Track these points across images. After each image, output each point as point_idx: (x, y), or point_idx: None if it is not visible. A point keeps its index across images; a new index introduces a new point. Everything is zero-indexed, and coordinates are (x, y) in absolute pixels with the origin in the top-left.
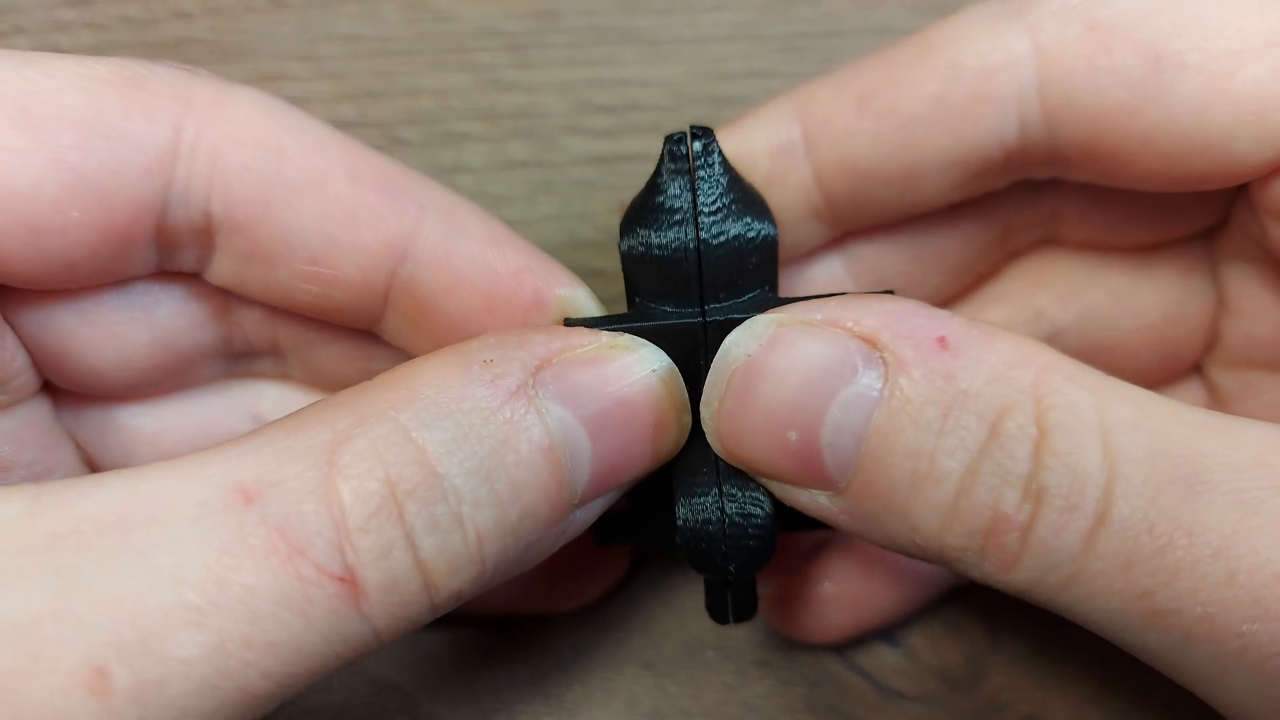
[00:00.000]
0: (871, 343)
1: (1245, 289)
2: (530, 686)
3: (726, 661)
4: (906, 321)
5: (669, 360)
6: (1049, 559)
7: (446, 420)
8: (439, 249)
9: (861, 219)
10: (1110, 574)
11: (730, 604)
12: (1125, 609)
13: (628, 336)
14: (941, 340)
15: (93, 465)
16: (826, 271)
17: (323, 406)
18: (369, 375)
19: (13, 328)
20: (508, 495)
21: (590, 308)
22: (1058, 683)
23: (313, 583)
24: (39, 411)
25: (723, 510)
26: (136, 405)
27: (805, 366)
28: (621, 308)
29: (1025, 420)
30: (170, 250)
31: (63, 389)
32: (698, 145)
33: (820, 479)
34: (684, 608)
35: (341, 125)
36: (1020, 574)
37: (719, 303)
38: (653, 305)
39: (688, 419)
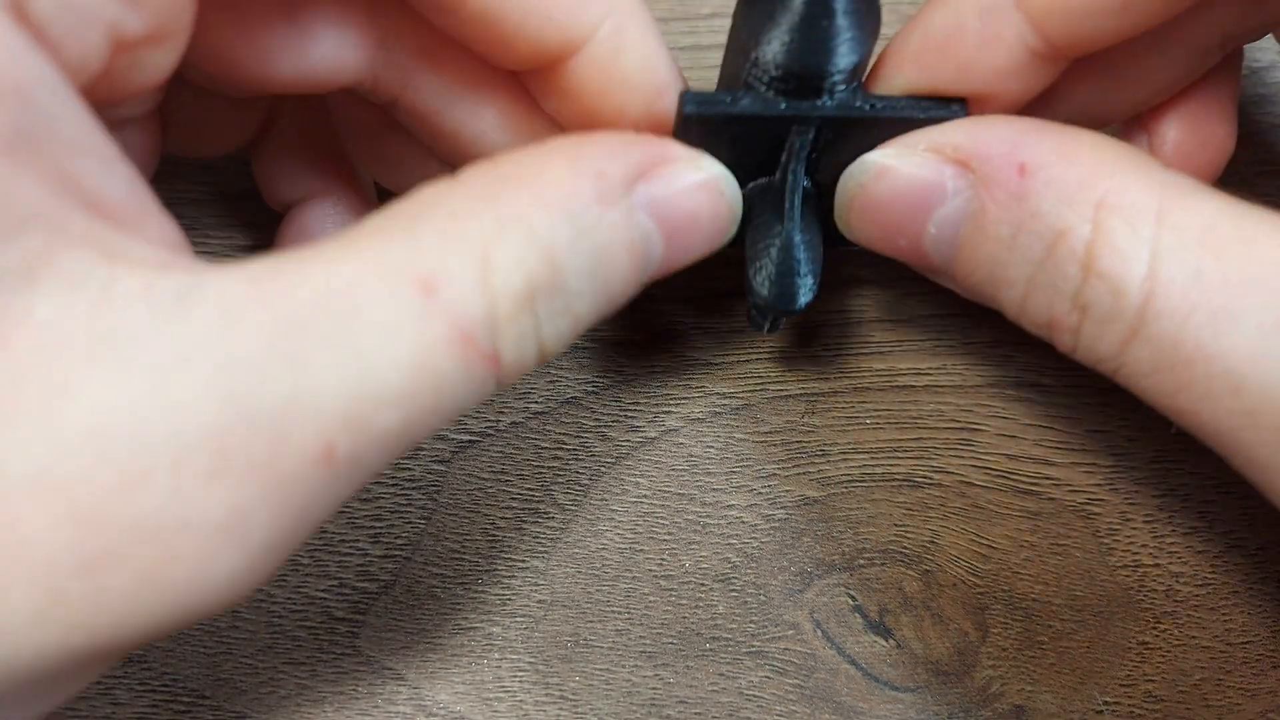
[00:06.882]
0: (964, 165)
1: None
2: (532, 676)
3: (722, 652)
4: (995, 146)
5: (736, 183)
6: (1095, 354)
7: (568, 226)
8: (610, 47)
9: (1087, 47)
10: (1142, 374)
11: (769, 324)
12: (1157, 401)
13: (708, 158)
14: (1021, 166)
15: None
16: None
17: (467, 198)
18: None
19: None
20: (602, 288)
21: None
22: (1046, 674)
23: (474, 363)
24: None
25: (784, 268)
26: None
27: (906, 192)
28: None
29: (1077, 244)
30: None
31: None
32: None
33: (930, 269)
34: (681, 599)
35: None
36: (1079, 358)
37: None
38: (763, 89)
39: (738, 220)
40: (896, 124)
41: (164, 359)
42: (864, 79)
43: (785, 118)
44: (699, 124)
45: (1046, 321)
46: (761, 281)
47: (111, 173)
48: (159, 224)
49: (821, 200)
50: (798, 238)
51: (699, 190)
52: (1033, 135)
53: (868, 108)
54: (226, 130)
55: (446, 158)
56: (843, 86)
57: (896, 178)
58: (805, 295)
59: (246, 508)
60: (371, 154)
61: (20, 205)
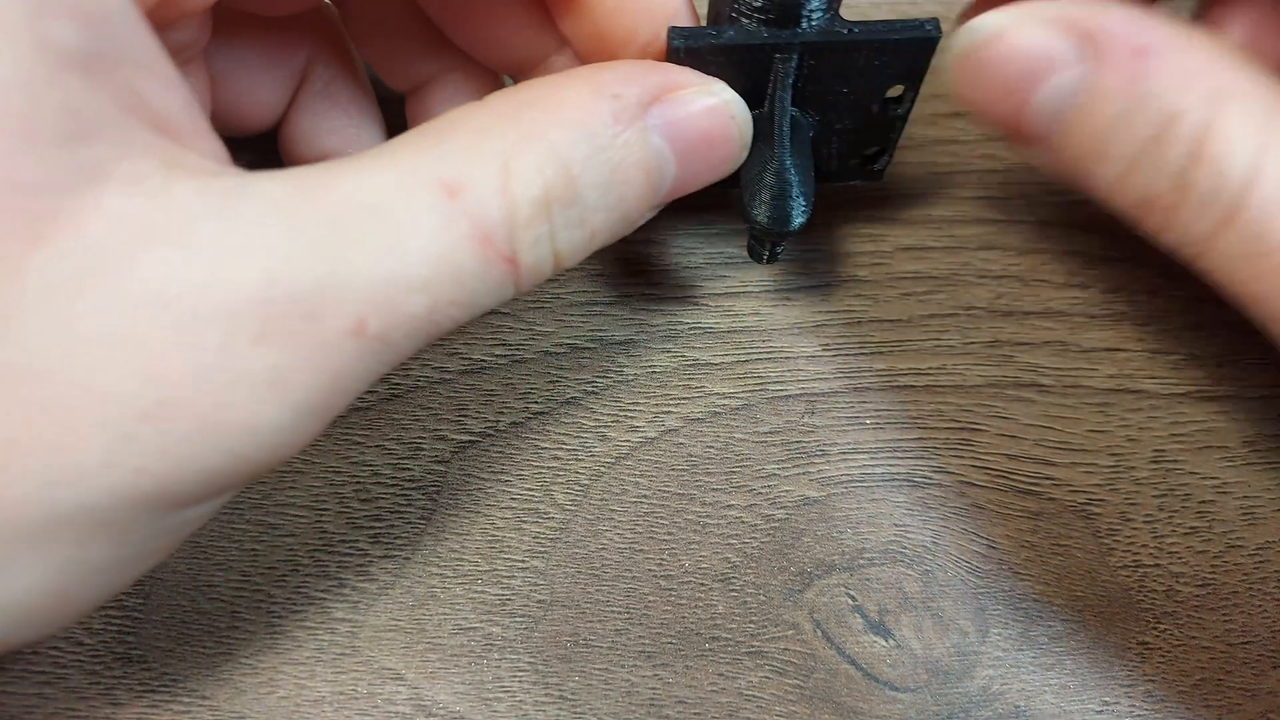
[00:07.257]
0: (1085, 40)
1: None
2: (532, 676)
3: (722, 652)
4: (1117, 26)
5: (746, 108)
6: (1185, 236)
7: (585, 143)
8: None
9: None
10: (1225, 259)
11: (768, 252)
12: (1231, 287)
13: (719, 84)
14: (1140, 48)
15: None
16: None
17: (492, 117)
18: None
19: None
20: (616, 204)
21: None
22: (1046, 674)
23: (493, 262)
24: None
25: (779, 194)
26: None
27: (1022, 57)
28: None
29: (1189, 128)
30: None
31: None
32: None
33: (1022, 138)
34: (681, 599)
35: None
36: (1165, 239)
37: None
38: (747, 23)
39: (748, 145)
40: (873, 47)
41: (213, 243)
42: (839, 5)
43: (768, 46)
44: (688, 56)
45: (1141, 199)
46: (757, 206)
47: (171, 92)
48: (209, 141)
49: (811, 133)
50: (789, 161)
51: (710, 114)
52: (1153, 20)
53: (845, 32)
54: (264, 102)
55: (464, 47)
56: (820, 14)
57: (1014, 42)
58: (799, 216)
59: (287, 367)
60: (385, 51)
61: (94, 116)
